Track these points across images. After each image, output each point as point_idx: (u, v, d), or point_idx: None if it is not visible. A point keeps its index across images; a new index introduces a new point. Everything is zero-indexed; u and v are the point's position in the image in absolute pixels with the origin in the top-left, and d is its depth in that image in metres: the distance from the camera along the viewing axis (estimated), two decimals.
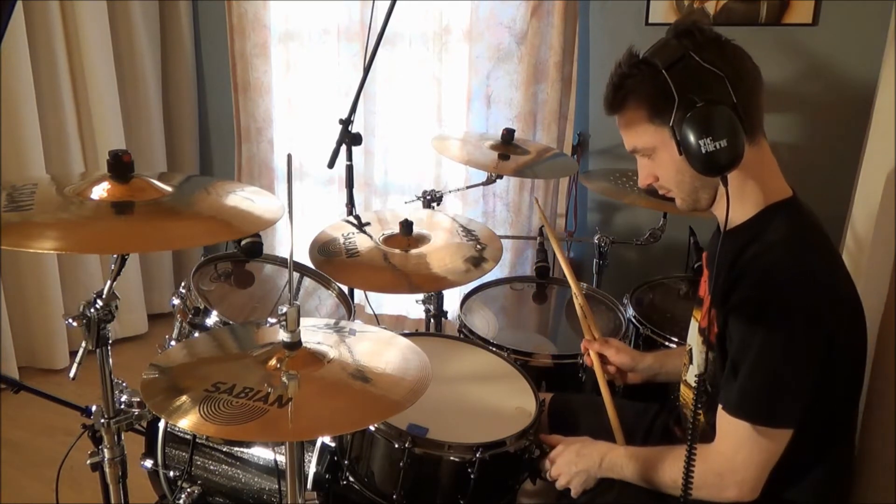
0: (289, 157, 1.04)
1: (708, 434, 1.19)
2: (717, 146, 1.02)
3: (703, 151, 1.02)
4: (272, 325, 1.10)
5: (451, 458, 1.32)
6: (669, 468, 1.17)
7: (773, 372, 1.05)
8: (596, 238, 2.25)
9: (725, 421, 1.10)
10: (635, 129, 1.15)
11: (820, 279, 1.06)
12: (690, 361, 1.31)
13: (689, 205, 1.19)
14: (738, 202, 1.13)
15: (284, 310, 1.06)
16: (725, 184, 1.06)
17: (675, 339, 1.82)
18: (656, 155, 1.15)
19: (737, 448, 1.09)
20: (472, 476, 1.31)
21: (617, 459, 1.26)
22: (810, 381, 1.05)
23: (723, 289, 1.11)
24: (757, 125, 1.10)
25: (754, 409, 1.07)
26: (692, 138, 1.03)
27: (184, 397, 1.01)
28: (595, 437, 1.49)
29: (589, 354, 1.56)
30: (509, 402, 1.48)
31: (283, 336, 1.08)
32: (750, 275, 1.07)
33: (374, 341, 1.24)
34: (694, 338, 1.29)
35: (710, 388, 1.15)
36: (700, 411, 1.09)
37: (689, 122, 1.03)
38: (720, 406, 1.11)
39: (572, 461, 1.30)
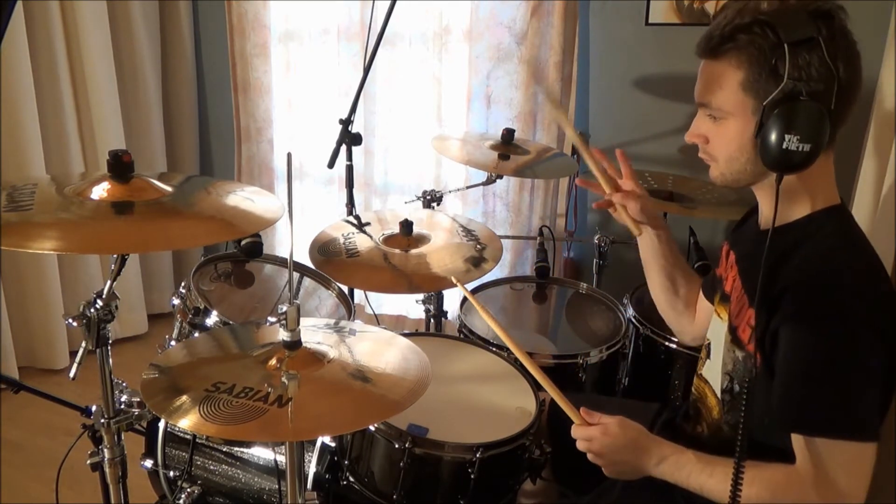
0: (289, 156, 1.04)
1: (725, 434, 1.17)
2: (800, 147, 0.97)
3: (783, 146, 0.97)
4: (272, 324, 1.10)
5: (451, 458, 1.32)
6: (748, 487, 1.02)
7: (851, 383, 0.99)
8: (596, 238, 2.24)
9: (812, 443, 1.01)
10: (721, 85, 1.06)
11: (880, 286, 1.02)
12: (707, 356, 1.30)
13: (724, 180, 1.13)
14: (786, 202, 1.09)
15: (284, 309, 1.06)
16: (779, 181, 1.03)
17: (675, 339, 1.82)
18: (725, 122, 1.08)
19: (838, 471, 0.99)
20: (472, 476, 1.31)
21: (686, 465, 1.13)
22: (880, 392, 1.00)
23: (766, 290, 1.04)
24: (836, 135, 1.04)
25: (841, 425, 0.99)
26: (779, 128, 0.98)
27: (184, 397, 1.02)
28: None
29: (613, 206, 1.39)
30: (509, 402, 1.48)
31: (283, 336, 1.08)
32: (806, 281, 1.01)
33: (374, 341, 1.24)
34: (719, 335, 1.24)
35: (737, 387, 1.12)
36: (729, 409, 1.06)
37: (786, 111, 0.98)
38: (793, 432, 1.03)
39: (621, 448, 1.17)
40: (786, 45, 0.97)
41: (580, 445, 1.21)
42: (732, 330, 1.17)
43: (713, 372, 1.26)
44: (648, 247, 1.44)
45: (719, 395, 1.22)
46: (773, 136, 0.99)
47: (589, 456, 1.20)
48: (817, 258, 1.03)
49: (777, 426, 1.05)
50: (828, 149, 1.05)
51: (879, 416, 1.03)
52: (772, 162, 1.01)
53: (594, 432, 1.19)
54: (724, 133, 1.10)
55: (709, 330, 1.32)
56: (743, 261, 1.21)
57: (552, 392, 1.25)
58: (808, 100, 0.98)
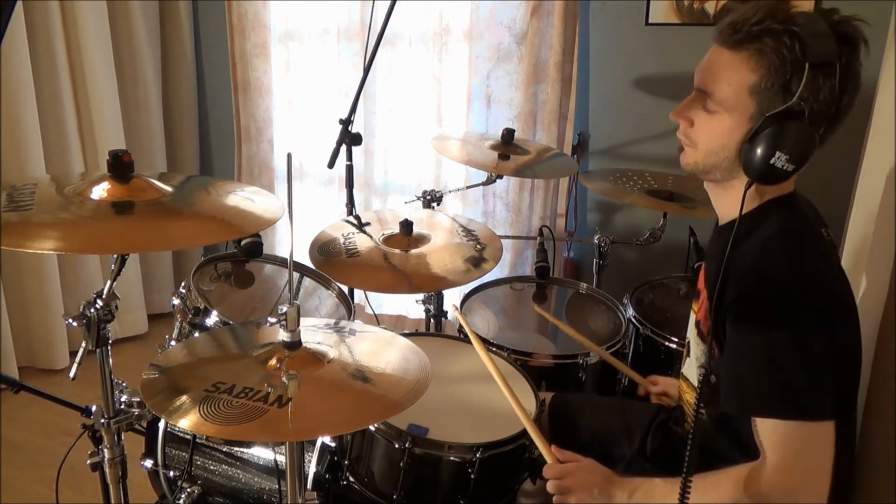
0: (289, 156, 1.04)
1: (709, 430, 1.18)
2: (785, 166, 0.99)
3: (769, 161, 0.99)
4: (272, 324, 1.10)
5: (451, 458, 1.32)
6: (716, 491, 1.05)
7: (793, 365, 0.99)
8: (596, 238, 2.24)
9: (770, 429, 1.01)
10: (729, 80, 1.05)
11: (817, 273, 1.04)
12: (688, 355, 1.31)
13: (697, 169, 1.14)
14: (738, 197, 1.09)
15: (284, 310, 1.06)
16: (748, 187, 1.04)
17: (675, 339, 1.82)
18: (719, 115, 1.07)
19: (797, 453, 0.99)
20: (472, 476, 1.31)
21: (655, 490, 1.13)
22: (829, 371, 1.00)
23: (714, 283, 1.07)
24: None
25: (794, 405, 0.98)
26: (771, 143, 0.99)
27: (184, 397, 1.01)
28: (596, 435, 1.50)
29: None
30: (509, 402, 1.48)
31: (283, 336, 1.08)
32: (744, 270, 1.04)
33: (374, 341, 1.24)
34: (692, 332, 1.28)
35: (713, 379, 1.13)
36: (702, 405, 1.06)
37: (784, 128, 0.98)
38: (755, 417, 1.03)
39: (594, 483, 1.17)
40: (807, 65, 0.97)
41: (551, 486, 1.20)
42: (697, 324, 1.19)
43: (691, 369, 1.27)
44: None
45: (696, 390, 1.24)
46: (763, 149, 1.00)
47: (556, 497, 1.20)
48: (756, 247, 1.05)
49: (728, 410, 1.06)
50: None
51: (844, 395, 1.05)
52: (753, 172, 1.02)
53: (569, 468, 1.20)
54: (713, 125, 1.09)
55: (688, 329, 1.33)
56: (706, 257, 1.24)
57: (531, 430, 1.27)
58: (807, 123, 0.98)
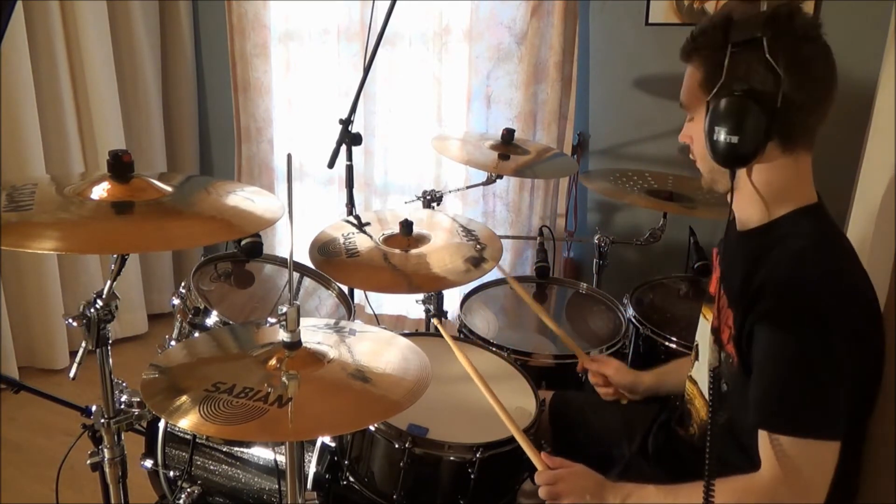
0: (289, 156, 1.04)
1: (717, 435, 1.18)
2: (729, 140, 1.02)
3: (718, 139, 1.03)
4: (272, 325, 1.10)
5: (451, 458, 1.32)
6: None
7: (820, 383, 0.99)
8: (596, 238, 2.24)
9: (777, 441, 1.01)
10: (688, 86, 1.13)
11: (852, 286, 1.03)
12: (696, 358, 1.31)
13: (707, 183, 1.18)
14: (760, 203, 1.11)
15: (284, 310, 1.06)
16: (732, 177, 1.07)
17: (675, 339, 1.82)
18: (695, 120, 1.14)
19: (799, 469, 1.00)
20: (472, 476, 1.31)
21: (648, 496, 1.14)
22: (849, 391, 1.01)
23: (742, 291, 1.07)
24: (799, 138, 1.06)
25: (810, 423, 0.99)
26: (712, 122, 1.04)
27: (184, 397, 1.01)
28: (596, 435, 1.50)
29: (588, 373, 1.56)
30: (509, 402, 1.47)
31: (283, 336, 1.08)
32: (778, 281, 1.02)
33: (374, 341, 1.24)
34: (705, 336, 1.27)
35: (725, 386, 1.13)
36: (713, 410, 1.07)
37: (719, 106, 1.03)
38: (763, 429, 1.03)
39: (585, 488, 1.17)
40: (729, 45, 1.02)
41: (543, 492, 1.20)
42: (714, 331, 1.18)
43: (701, 373, 1.27)
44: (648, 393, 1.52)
45: (707, 395, 1.23)
46: (711, 130, 1.04)
47: (552, 498, 1.19)
48: (789, 259, 1.04)
49: (753, 421, 1.05)
50: (793, 149, 1.07)
51: (855, 415, 1.05)
52: (713, 154, 1.06)
53: (560, 473, 1.19)
54: (696, 132, 1.14)
55: (697, 332, 1.33)
56: (723, 262, 1.23)
57: (518, 436, 1.27)
58: (742, 95, 1.01)
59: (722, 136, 1.03)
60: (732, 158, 1.04)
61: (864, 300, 1.05)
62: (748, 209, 1.13)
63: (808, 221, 1.09)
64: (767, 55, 1.00)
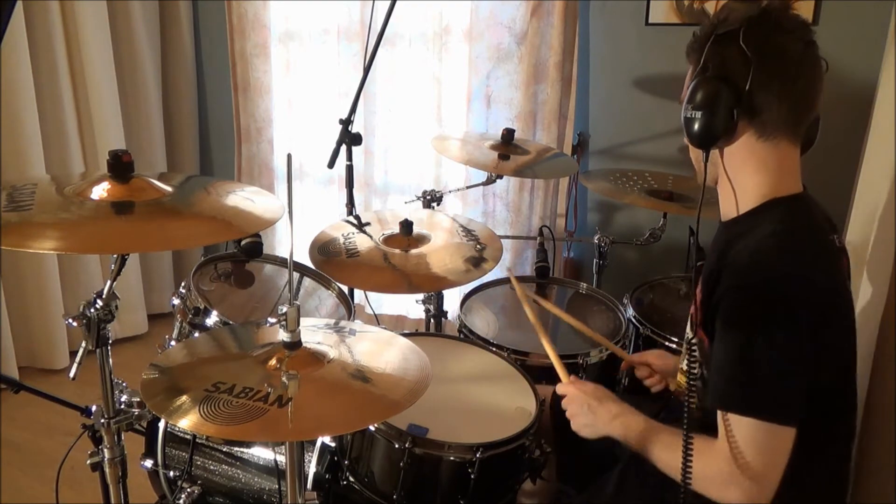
0: (289, 156, 1.05)
1: (702, 421, 1.19)
2: (692, 115, 1.08)
3: (683, 116, 1.10)
4: (272, 325, 1.10)
5: (451, 458, 1.32)
6: (673, 452, 1.12)
7: (768, 367, 1.02)
8: (596, 238, 2.24)
9: (729, 419, 1.06)
10: (686, 83, 1.17)
11: (807, 277, 1.04)
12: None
13: (696, 173, 1.20)
14: (739, 193, 1.14)
15: (284, 310, 1.06)
16: (706, 159, 1.11)
17: (675, 339, 1.82)
18: None
19: (742, 446, 1.04)
20: (472, 476, 1.31)
21: (632, 425, 1.22)
22: (802, 377, 1.03)
23: (707, 277, 1.12)
24: (772, 123, 1.09)
25: (756, 404, 1.03)
26: (685, 103, 1.10)
27: (184, 397, 1.01)
28: None
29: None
30: (509, 402, 1.48)
31: (283, 336, 1.08)
32: (736, 268, 1.06)
33: (373, 341, 1.24)
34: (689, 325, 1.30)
35: (706, 372, 1.15)
36: (693, 397, 1.10)
37: (690, 87, 1.10)
38: (716, 407, 1.08)
39: (585, 407, 1.28)
40: (713, 37, 1.09)
41: (561, 390, 1.35)
42: (690, 317, 1.22)
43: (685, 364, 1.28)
44: None
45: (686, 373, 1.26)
46: (683, 111, 1.11)
47: (565, 406, 1.32)
48: (752, 246, 1.07)
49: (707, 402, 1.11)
50: (771, 135, 1.10)
51: (837, 399, 1.09)
52: (686, 136, 1.12)
53: (575, 385, 1.33)
54: None
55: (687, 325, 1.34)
56: (707, 253, 1.26)
57: (550, 352, 1.42)
58: (711, 77, 1.08)
59: (687, 112, 1.09)
60: (692, 134, 1.10)
61: (822, 292, 1.05)
62: (729, 198, 1.16)
63: (780, 211, 1.11)
64: (741, 42, 1.06)
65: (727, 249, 1.10)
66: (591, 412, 1.27)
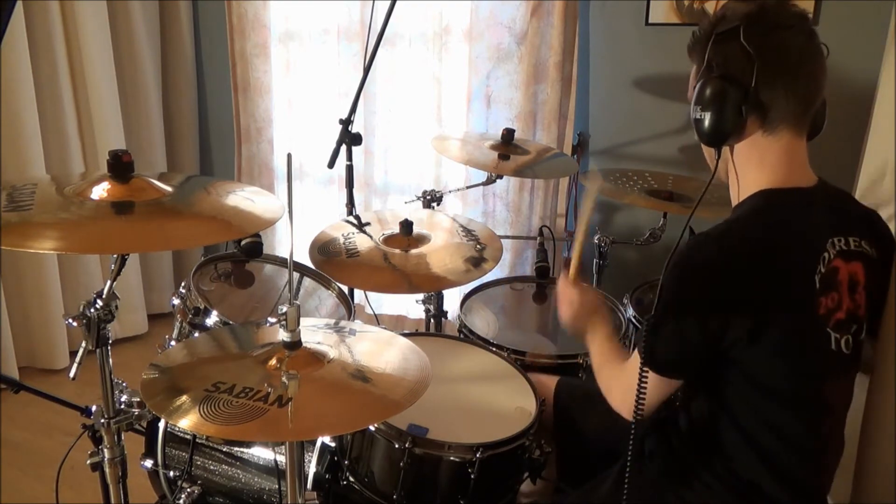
0: (289, 156, 1.05)
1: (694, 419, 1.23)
2: (700, 116, 1.10)
3: (693, 118, 1.11)
4: (272, 324, 1.10)
5: (451, 458, 1.32)
6: (609, 362, 1.30)
7: (663, 319, 1.11)
8: (596, 238, 2.24)
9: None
10: (690, 82, 1.19)
11: (730, 248, 1.08)
12: None
13: (719, 176, 1.21)
14: (742, 187, 1.16)
15: (284, 309, 1.06)
16: (718, 156, 1.13)
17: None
18: None
19: (631, 367, 1.18)
20: (472, 476, 1.31)
21: (592, 343, 1.36)
22: (690, 339, 1.09)
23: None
24: (779, 117, 1.10)
25: (644, 347, 1.12)
26: (694, 104, 1.11)
27: (184, 397, 1.02)
28: (599, 431, 1.50)
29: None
30: (509, 402, 1.48)
31: (283, 336, 1.08)
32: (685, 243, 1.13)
33: (373, 341, 1.24)
34: None
35: None
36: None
37: (696, 88, 1.11)
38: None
39: (568, 301, 1.42)
40: (713, 35, 1.10)
41: (561, 284, 1.46)
42: None
43: None
44: None
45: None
46: (692, 112, 1.12)
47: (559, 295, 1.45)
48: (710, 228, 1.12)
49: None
50: (774, 129, 1.11)
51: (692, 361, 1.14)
52: (697, 135, 1.13)
53: (570, 285, 1.44)
54: None
55: None
56: None
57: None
58: (716, 77, 1.09)
59: (696, 113, 1.10)
60: (714, 136, 1.11)
61: (742, 263, 1.07)
62: (734, 193, 1.19)
63: (750, 203, 1.14)
64: (742, 40, 1.06)
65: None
66: (573, 307, 1.41)
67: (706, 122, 1.09)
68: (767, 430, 1.12)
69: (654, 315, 1.11)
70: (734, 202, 1.19)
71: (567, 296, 1.43)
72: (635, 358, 1.17)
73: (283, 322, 1.07)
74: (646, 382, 1.10)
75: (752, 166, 1.14)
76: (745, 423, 1.14)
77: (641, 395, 1.10)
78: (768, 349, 1.07)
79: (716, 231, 1.11)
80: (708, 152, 1.20)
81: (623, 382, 1.20)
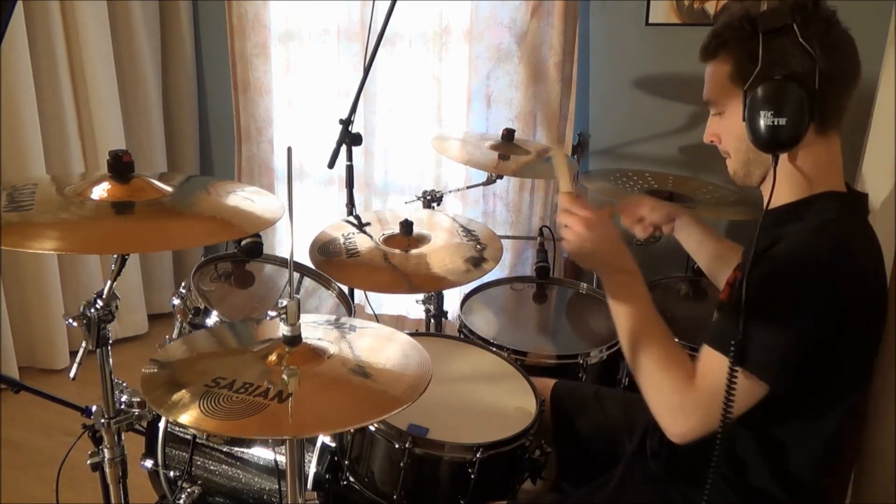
0: (289, 150, 1.04)
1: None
2: (776, 122, 1.03)
3: (763, 124, 1.03)
4: (272, 318, 1.10)
5: (451, 458, 1.32)
6: (655, 350, 1.18)
7: (767, 323, 1.03)
8: None
9: (704, 353, 1.10)
10: (716, 81, 1.14)
11: (850, 266, 1.03)
12: None
13: (740, 176, 1.17)
14: (788, 183, 1.12)
15: (285, 303, 1.05)
16: (775, 163, 1.07)
17: (676, 340, 1.81)
18: (725, 115, 1.15)
19: (704, 375, 1.09)
20: (472, 476, 1.31)
21: (634, 287, 1.26)
22: (801, 348, 1.03)
23: (748, 252, 1.09)
24: (832, 118, 1.08)
25: (744, 354, 1.04)
26: (756, 107, 1.04)
27: (183, 392, 1.01)
28: (599, 430, 1.49)
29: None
30: (509, 402, 1.48)
31: (283, 331, 1.08)
32: (788, 249, 1.05)
33: (374, 337, 1.24)
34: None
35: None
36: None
37: (761, 91, 1.04)
38: (706, 343, 1.10)
39: (586, 240, 1.25)
40: (761, 34, 1.04)
41: (562, 215, 1.29)
42: (719, 304, 1.22)
43: None
44: (682, 237, 1.58)
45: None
46: (755, 116, 1.04)
47: (563, 232, 1.27)
48: (806, 232, 1.06)
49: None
50: (827, 132, 1.08)
51: (807, 376, 1.06)
52: (757, 140, 1.06)
53: (583, 212, 1.28)
54: (727, 127, 1.15)
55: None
56: (748, 242, 1.24)
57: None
58: (782, 78, 1.02)
59: (764, 121, 1.03)
60: (777, 143, 1.05)
61: (862, 284, 1.04)
62: (778, 192, 1.12)
63: (832, 203, 1.10)
64: (801, 39, 1.02)
65: (774, 233, 1.09)
66: (595, 249, 1.25)
67: (772, 128, 1.03)
68: (783, 439, 1.11)
69: (770, 325, 1.03)
70: (771, 205, 1.13)
71: (584, 218, 1.26)
72: (712, 375, 1.07)
73: (284, 315, 1.06)
74: (734, 394, 1.02)
75: (813, 168, 1.10)
76: (759, 431, 1.12)
77: (729, 410, 1.03)
78: (842, 357, 1.05)
79: (827, 248, 1.04)
80: (752, 161, 1.14)
81: (702, 404, 1.08)
